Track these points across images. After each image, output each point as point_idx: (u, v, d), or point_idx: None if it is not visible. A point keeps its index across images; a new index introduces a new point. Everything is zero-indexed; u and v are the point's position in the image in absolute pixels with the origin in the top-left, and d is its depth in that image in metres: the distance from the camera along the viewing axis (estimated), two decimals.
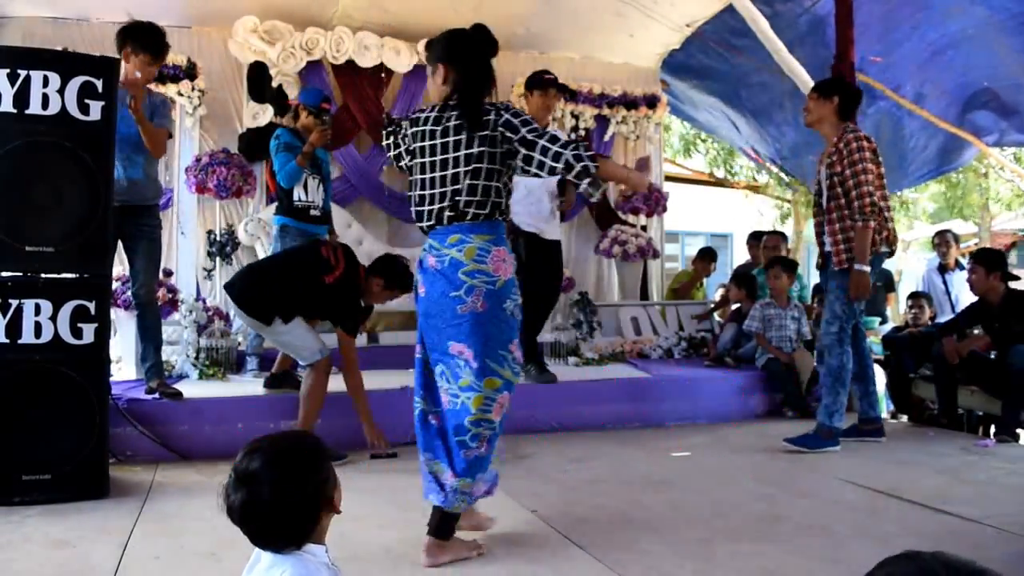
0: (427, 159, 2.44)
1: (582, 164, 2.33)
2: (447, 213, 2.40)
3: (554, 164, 2.36)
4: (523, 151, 2.39)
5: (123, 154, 3.73)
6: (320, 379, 3.75)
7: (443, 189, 2.41)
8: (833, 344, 3.90)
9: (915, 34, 5.88)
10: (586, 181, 2.33)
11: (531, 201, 4.63)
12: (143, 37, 3.75)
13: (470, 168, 2.38)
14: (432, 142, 2.44)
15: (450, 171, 2.40)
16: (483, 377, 2.35)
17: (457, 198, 2.39)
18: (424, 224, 2.47)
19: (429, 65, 2.55)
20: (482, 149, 2.38)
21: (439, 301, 2.38)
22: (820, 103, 4.00)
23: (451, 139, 2.41)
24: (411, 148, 2.51)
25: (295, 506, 1.26)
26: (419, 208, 2.47)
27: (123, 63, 3.69)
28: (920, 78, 6.31)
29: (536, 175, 2.44)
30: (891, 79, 6.33)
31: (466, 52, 2.51)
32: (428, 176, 2.44)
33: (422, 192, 2.45)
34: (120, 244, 3.93)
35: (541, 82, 4.53)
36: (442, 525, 2.38)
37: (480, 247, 2.37)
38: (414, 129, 2.49)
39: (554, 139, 2.39)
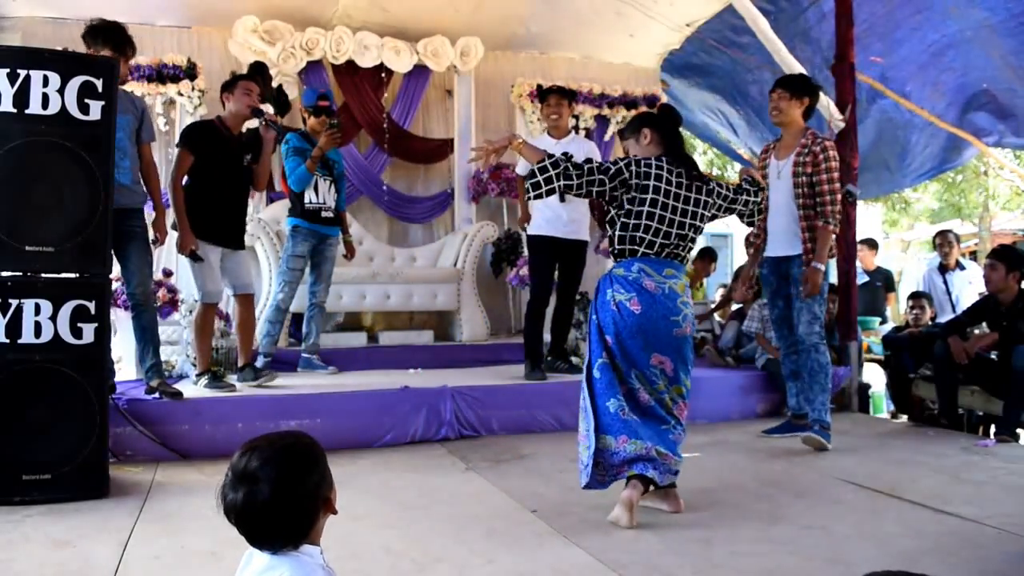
0: (663, 200, 2.83)
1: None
2: (668, 250, 2.85)
3: (756, 199, 3.10)
4: (740, 198, 3.03)
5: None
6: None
7: (670, 229, 2.84)
8: (819, 343, 4.01)
9: (915, 36, 5.88)
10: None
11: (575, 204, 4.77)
12: (100, 33, 3.72)
13: (696, 223, 2.89)
14: (668, 187, 2.84)
15: (679, 218, 2.84)
16: (672, 385, 2.87)
17: (679, 241, 2.86)
18: (637, 248, 2.84)
19: (632, 134, 3.04)
20: (704, 212, 2.91)
21: (659, 321, 2.80)
22: (792, 103, 4.04)
23: (690, 195, 2.87)
24: (641, 182, 2.84)
25: (294, 505, 1.26)
26: (637, 234, 2.84)
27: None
28: (920, 80, 6.30)
29: (749, 211, 3.10)
30: (891, 80, 6.32)
31: (666, 121, 3.01)
32: (661, 214, 2.82)
33: (656, 224, 2.83)
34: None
35: (541, 94, 4.99)
36: (671, 486, 2.88)
37: (685, 284, 2.91)
38: (647, 170, 2.85)
39: (743, 190, 3.07)
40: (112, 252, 3.90)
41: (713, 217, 3.01)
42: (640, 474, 2.73)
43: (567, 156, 2.87)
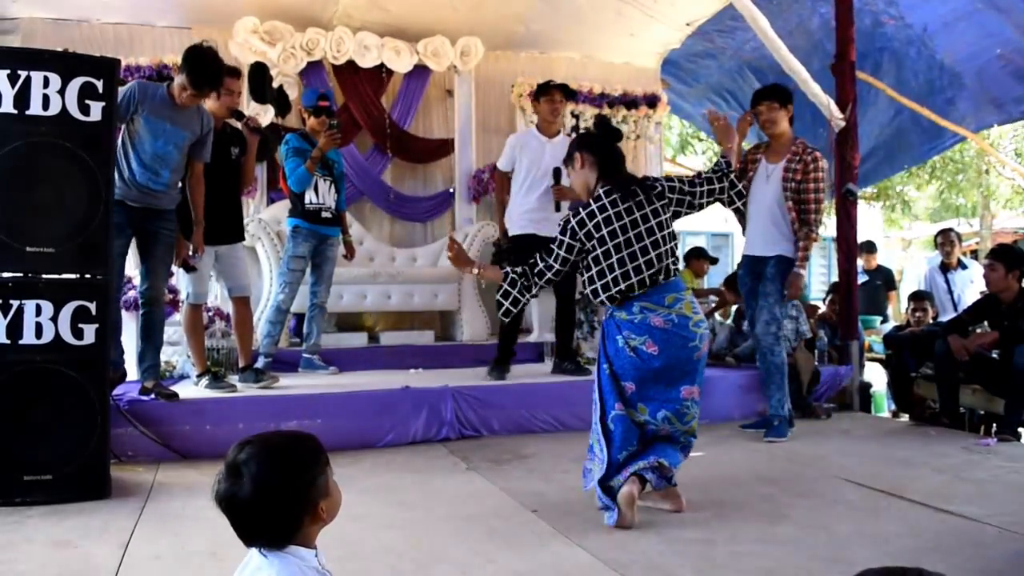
0: (624, 237, 2.78)
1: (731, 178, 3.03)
2: (659, 276, 2.78)
3: (721, 184, 2.99)
4: (700, 189, 2.94)
5: (153, 168, 3.73)
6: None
7: (648, 257, 2.78)
8: (775, 343, 4.23)
9: (927, 4, 5.91)
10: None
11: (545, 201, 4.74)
12: (189, 64, 3.64)
13: (666, 233, 2.84)
14: (623, 221, 2.79)
15: (648, 241, 2.78)
16: (698, 404, 2.83)
17: (664, 262, 2.80)
18: (631, 292, 2.78)
19: (566, 164, 3.02)
20: (667, 216, 2.86)
21: (680, 352, 2.75)
22: (782, 113, 4.24)
23: (641, 213, 2.80)
24: (594, 236, 2.80)
25: (273, 505, 1.23)
26: (621, 285, 2.78)
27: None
28: (934, 44, 6.29)
29: (720, 200, 3.03)
30: (903, 40, 6.30)
31: (596, 140, 2.96)
32: (631, 250, 2.78)
33: (632, 265, 2.78)
34: (134, 243, 3.90)
35: (545, 87, 4.89)
36: (672, 485, 2.88)
37: (691, 300, 2.83)
38: (595, 220, 2.80)
39: (704, 179, 2.99)
40: (137, 250, 3.92)
41: (676, 215, 2.93)
42: (639, 473, 2.75)
43: (518, 273, 2.92)
